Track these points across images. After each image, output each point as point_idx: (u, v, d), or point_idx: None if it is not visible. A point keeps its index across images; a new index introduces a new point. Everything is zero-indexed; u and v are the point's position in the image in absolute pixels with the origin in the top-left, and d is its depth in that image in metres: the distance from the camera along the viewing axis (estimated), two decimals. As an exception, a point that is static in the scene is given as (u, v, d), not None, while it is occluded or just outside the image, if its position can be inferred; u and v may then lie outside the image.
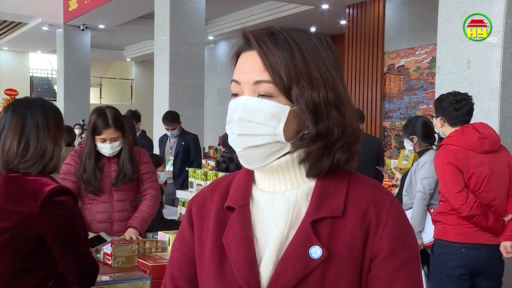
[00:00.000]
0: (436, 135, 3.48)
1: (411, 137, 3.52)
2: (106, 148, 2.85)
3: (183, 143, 5.79)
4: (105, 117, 2.85)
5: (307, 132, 0.89)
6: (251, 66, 0.90)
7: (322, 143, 0.89)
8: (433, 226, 3.17)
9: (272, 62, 0.88)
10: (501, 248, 2.87)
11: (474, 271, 2.87)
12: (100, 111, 2.88)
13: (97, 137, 2.85)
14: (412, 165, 3.75)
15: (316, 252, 0.86)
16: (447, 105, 3.00)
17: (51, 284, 1.67)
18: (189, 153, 5.82)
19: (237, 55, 0.94)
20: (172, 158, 5.82)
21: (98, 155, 2.89)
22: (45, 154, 1.71)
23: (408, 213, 3.32)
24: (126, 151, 2.90)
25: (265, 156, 0.90)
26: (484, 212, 2.77)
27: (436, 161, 2.92)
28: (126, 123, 2.97)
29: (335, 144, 0.90)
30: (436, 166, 2.91)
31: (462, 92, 3.19)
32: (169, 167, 5.82)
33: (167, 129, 5.79)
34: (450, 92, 3.13)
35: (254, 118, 0.88)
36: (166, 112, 5.97)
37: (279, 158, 0.91)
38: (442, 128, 3.04)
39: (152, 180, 3.02)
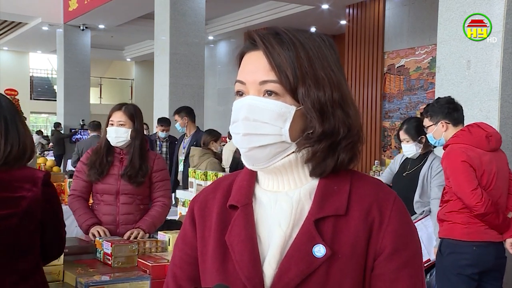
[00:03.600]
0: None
1: (419, 138, 3.38)
2: (111, 132, 2.84)
3: (195, 142, 5.59)
4: (121, 104, 2.97)
5: (312, 131, 0.89)
6: (257, 66, 0.90)
7: (327, 142, 0.89)
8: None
9: (278, 62, 0.88)
10: (507, 245, 2.88)
11: (483, 269, 2.86)
12: (127, 103, 3.04)
13: (108, 123, 2.91)
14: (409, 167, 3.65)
15: (319, 250, 0.87)
16: (447, 108, 3.00)
17: (38, 268, 1.78)
18: None
19: (241, 56, 0.94)
20: (183, 158, 5.63)
21: (111, 149, 2.91)
22: (27, 149, 1.75)
23: (427, 221, 3.26)
24: (137, 145, 2.86)
25: (270, 157, 0.91)
26: (496, 210, 2.79)
27: (447, 160, 2.88)
28: (139, 123, 2.93)
29: (340, 144, 0.90)
30: (448, 165, 2.87)
31: (462, 92, 3.20)
32: (180, 167, 5.70)
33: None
34: (437, 99, 3.12)
35: (260, 118, 0.89)
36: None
37: (283, 158, 0.91)
38: (446, 132, 3.00)
39: (165, 189, 2.98)
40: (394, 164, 3.70)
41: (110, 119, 2.88)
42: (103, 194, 2.90)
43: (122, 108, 2.90)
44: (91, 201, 3.04)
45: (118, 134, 2.84)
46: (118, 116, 2.86)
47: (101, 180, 2.88)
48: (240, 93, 0.92)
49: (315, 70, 0.89)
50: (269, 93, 0.89)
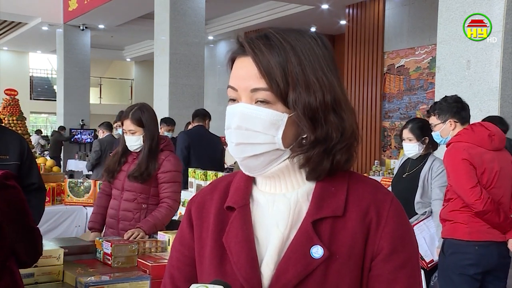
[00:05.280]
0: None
1: (423, 139, 3.35)
2: (127, 140, 2.94)
3: None
4: (130, 109, 2.97)
5: (305, 136, 0.89)
6: (247, 72, 0.89)
7: (321, 148, 0.89)
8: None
9: (268, 69, 0.87)
10: (510, 245, 2.87)
11: (486, 269, 2.85)
12: (135, 105, 3.02)
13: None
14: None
15: (317, 251, 0.86)
16: (455, 107, 2.99)
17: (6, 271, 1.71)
18: None
19: (232, 60, 0.93)
20: None
21: (127, 150, 3.00)
22: None
23: (429, 222, 3.24)
24: (146, 148, 2.92)
25: (265, 164, 0.90)
26: (496, 208, 2.78)
27: (448, 158, 2.87)
28: (150, 123, 2.94)
29: (335, 147, 0.90)
30: (449, 162, 2.86)
31: (462, 92, 3.20)
32: None
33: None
34: (444, 98, 3.11)
35: (252, 127, 0.88)
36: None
37: (278, 164, 0.91)
38: (453, 131, 2.99)
39: (172, 191, 2.96)
40: (396, 169, 3.70)
41: (123, 127, 2.95)
42: (113, 189, 3.04)
43: (129, 115, 2.91)
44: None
45: (131, 143, 2.93)
46: (127, 125, 2.91)
47: (115, 177, 3.02)
48: (232, 99, 0.91)
49: (306, 75, 0.88)
50: (261, 101, 0.88)
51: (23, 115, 11.78)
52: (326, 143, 0.89)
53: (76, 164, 11.59)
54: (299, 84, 0.87)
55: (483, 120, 3.48)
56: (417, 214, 3.29)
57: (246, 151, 0.89)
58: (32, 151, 7.19)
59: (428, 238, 3.23)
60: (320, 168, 0.90)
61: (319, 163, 0.89)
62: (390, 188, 3.53)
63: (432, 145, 3.37)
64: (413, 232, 0.93)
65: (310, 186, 0.92)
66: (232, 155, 0.91)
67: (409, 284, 0.88)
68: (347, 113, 0.91)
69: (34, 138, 13.17)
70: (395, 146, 9.55)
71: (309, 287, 0.86)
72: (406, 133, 3.44)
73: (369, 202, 0.90)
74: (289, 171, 0.92)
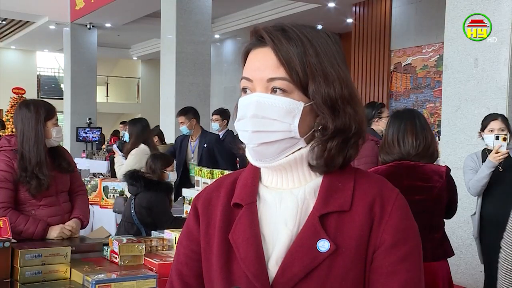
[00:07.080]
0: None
1: None
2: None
3: (205, 145, 5.11)
4: None
5: (321, 127, 0.90)
6: (264, 63, 0.89)
7: (340, 139, 0.90)
8: None
9: (288, 59, 0.88)
10: None
11: None
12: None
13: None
14: None
15: (323, 245, 0.87)
16: None
17: None
18: (216, 158, 5.06)
19: (247, 52, 0.94)
20: (196, 164, 5.06)
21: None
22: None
23: None
24: None
25: (279, 152, 0.91)
26: None
27: None
28: None
29: (350, 140, 0.91)
30: None
31: (470, 91, 3.16)
32: (192, 174, 5.09)
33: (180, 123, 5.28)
34: None
35: (268, 115, 0.88)
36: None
37: (291, 154, 0.91)
38: None
39: None
40: (475, 163, 3.52)
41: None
42: None
43: None
44: None
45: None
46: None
47: None
48: (245, 90, 0.92)
49: (324, 66, 0.89)
50: (277, 90, 0.89)
51: (31, 113, 11.65)
52: (344, 133, 0.90)
53: (83, 163, 11.63)
54: (318, 75, 0.88)
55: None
56: None
57: (262, 138, 0.89)
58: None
59: None
60: (335, 161, 0.90)
61: (336, 155, 0.90)
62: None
63: None
64: (417, 228, 0.93)
65: (317, 181, 0.92)
66: (246, 142, 0.92)
67: (408, 277, 0.88)
68: (360, 109, 0.93)
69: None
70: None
71: (314, 281, 0.87)
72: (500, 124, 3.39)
73: (374, 197, 0.90)
74: (296, 164, 0.92)
